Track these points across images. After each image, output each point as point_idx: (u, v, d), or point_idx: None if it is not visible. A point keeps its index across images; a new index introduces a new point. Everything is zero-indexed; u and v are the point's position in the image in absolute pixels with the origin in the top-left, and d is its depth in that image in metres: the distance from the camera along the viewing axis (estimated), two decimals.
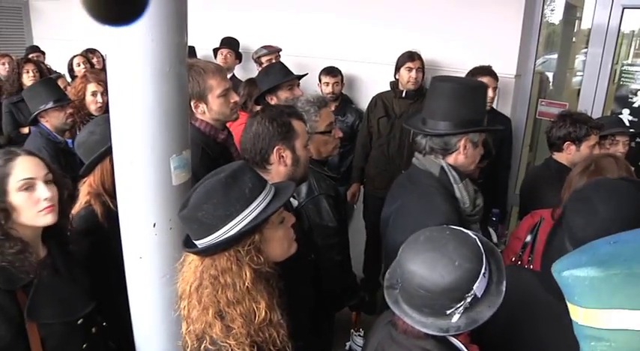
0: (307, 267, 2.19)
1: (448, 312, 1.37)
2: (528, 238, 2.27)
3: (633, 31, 4.44)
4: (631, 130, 3.44)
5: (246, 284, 1.43)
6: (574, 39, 5.46)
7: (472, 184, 2.09)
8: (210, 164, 2.31)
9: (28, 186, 1.72)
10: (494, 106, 3.83)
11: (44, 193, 1.73)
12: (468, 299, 1.35)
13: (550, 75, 5.08)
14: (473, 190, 2.05)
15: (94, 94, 3.79)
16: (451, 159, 2.01)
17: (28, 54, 6.22)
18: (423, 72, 4.00)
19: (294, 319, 1.61)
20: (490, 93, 3.59)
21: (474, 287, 1.35)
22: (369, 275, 4.38)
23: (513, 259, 2.28)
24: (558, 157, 2.90)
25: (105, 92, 3.68)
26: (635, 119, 3.91)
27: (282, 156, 2.01)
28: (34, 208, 1.72)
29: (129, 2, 0.72)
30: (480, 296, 1.38)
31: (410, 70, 3.96)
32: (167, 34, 1.62)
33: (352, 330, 2.67)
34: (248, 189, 1.46)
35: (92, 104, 3.81)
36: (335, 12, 4.71)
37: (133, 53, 1.63)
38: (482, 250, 1.41)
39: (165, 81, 1.65)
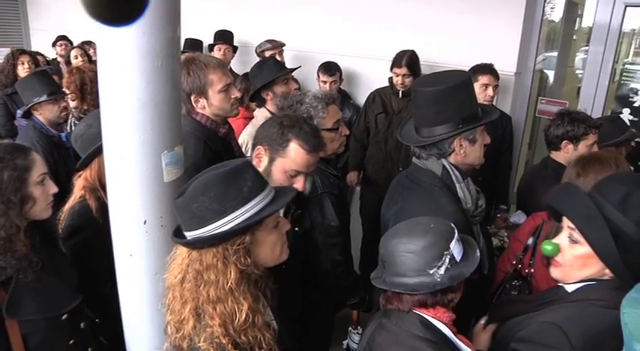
0: (296, 269, 2.17)
1: (431, 271, 1.48)
2: (530, 241, 2.23)
3: (634, 30, 4.41)
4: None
5: (230, 284, 1.41)
6: (575, 37, 5.42)
7: (474, 184, 2.07)
8: (212, 157, 2.29)
9: (44, 179, 1.82)
10: (494, 103, 3.79)
11: (52, 187, 1.85)
12: (447, 258, 1.49)
13: (551, 73, 5.05)
14: (475, 190, 2.02)
15: None
16: (451, 159, 1.98)
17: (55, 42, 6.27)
18: (414, 75, 3.95)
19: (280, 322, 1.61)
20: (490, 91, 3.59)
21: (451, 246, 1.50)
22: (366, 273, 4.35)
23: (514, 262, 2.24)
24: (556, 156, 2.86)
25: None
26: (636, 119, 3.88)
27: (260, 160, 2.03)
28: (45, 201, 1.82)
29: (129, 2, 0.70)
30: (458, 260, 1.51)
31: (397, 75, 3.96)
32: (159, 28, 1.59)
33: (350, 328, 2.65)
34: (247, 188, 1.43)
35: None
36: (335, 7, 4.69)
37: (124, 46, 1.59)
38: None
39: (156, 75, 1.62)
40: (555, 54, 5.25)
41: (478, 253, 1.58)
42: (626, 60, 4.22)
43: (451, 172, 1.95)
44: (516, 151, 4.15)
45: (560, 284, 1.59)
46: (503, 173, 3.86)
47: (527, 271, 2.16)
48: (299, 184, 2.07)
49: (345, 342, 2.68)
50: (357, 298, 2.58)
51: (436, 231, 1.53)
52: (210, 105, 2.47)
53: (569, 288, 1.54)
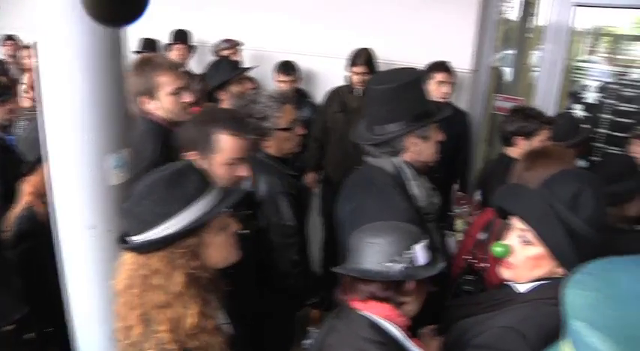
0: (250, 270, 2.14)
1: (389, 263, 1.49)
2: (482, 236, 2.25)
3: (587, 29, 4.52)
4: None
5: (178, 288, 1.38)
6: (530, 35, 5.52)
7: (429, 182, 2.07)
8: (172, 156, 2.23)
9: None
10: (450, 100, 3.83)
11: None
12: (408, 257, 1.50)
13: (509, 70, 5.14)
14: (429, 187, 2.03)
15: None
16: (404, 157, 1.97)
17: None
18: (372, 72, 3.92)
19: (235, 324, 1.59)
20: (445, 88, 3.61)
21: (415, 248, 1.52)
22: (326, 273, 4.34)
23: (467, 257, 2.26)
24: (510, 151, 2.90)
25: None
26: (589, 114, 3.98)
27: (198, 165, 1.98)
28: None
29: (129, 2, 0.69)
30: (419, 264, 1.52)
31: (356, 73, 3.95)
32: (101, 27, 1.54)
33: (309, 328, 2.64)
34: (191, 189, 1.41)
35: None
36: (294, 7, 4.66)
37: (65, 45, 1.55)
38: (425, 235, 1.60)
39: (99, 75, 1.57)
40: (513, 52, 5.36)
41: (442, 265, 1.58)
42: (578, 58, 4.32)
43: (404, 170, 1.95)
44: (474, 148, 4.19)
45: (510, 283, 1.59)
46: (461, 170, 3.89)
47: (480, 265, 2.18)
48: (243, 171, 2.06)
49: (305, 342, 2.66)
50: (318, 298, 2.58)
51: (403, 231, 1.56)
52: (160, 107, 2.43)
53: (522, 288, 1.54)
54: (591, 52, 6.65)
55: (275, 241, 2.34)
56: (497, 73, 4.71)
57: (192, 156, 2.00)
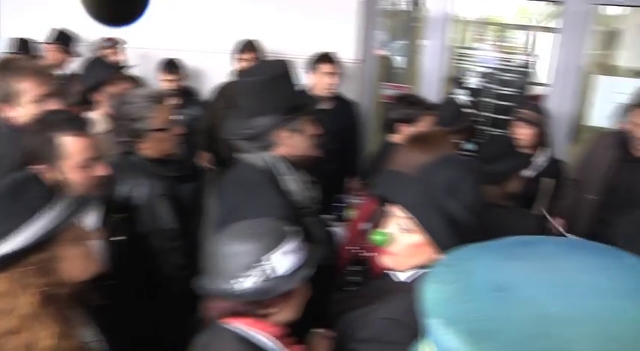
0: (129, 280, 2.03)
1: (236, 280, 1.41)
2: (366, 225, 2.24)
3: (475, 18, 4.69)
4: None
5: (29, 309, 1.26)
6: (419, 24, 5.67)
7: (308, 174, 2.04)
8: None
9: None
10: (339, 91, 3.83)
11: None
12: (262, 269, 1.41)
13: (400, 59, 5.25)
14: (305, 181, 1.99)
15: None
16: (277, 151, 1.92)
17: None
18: (258, 60, 3.88)
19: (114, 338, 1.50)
20: (331, 79, 3.61)
21: (272, 257, 1.42)
22: None
23: (353, 247, 2.25)
24: (395, 139, 2.93)
25: None
26: (473, 99, 4.12)
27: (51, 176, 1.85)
28: None
29: (129, 2, 0.61)
30: (279, 274, 1.43)
31: (241, 61, 3.88)
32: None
33: None
34: (33, 202, 1.30)
35: None
36: (176, 2, 4.53)
37: None
38: (293, 238, 1.50)
39: None
40: (403, 41, 5.48)
41: (306, 272, 1.49)
42: (460, 45, 4.48)
43: (277, 165, 1.90)
44: (365, 137, 4.23)
45: (391, 272, 1.58)
46: (353, 159, 3.89)
47: (365, 255, 2.17)
48: (100, 170, 1.96)
49: None
50: None
51: (259, 237, 1.45)
52: (21, 116, 2.24)
53: (402, 276, 1.53)
54: (478, 40, 6.93)
55: (156, 247, 2.24)
56: (387, 62, 4.79)
57: (40, 168, 1.84)
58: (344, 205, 3.05)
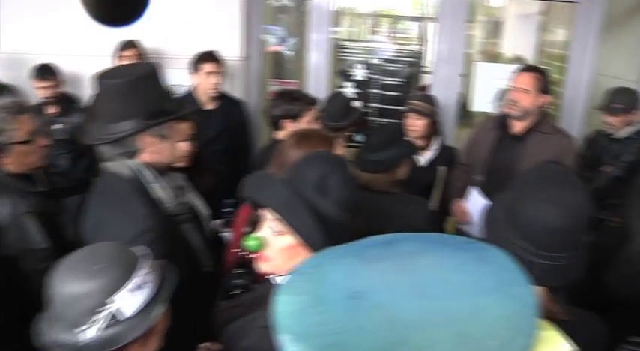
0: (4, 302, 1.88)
1: (78, 329, 1.22)
2: (247, 228, 2.19)
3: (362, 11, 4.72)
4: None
5: None
6: (305, 19, 5.68)
7: (181, 179, 1.96)
8: None
9: None
10: (224, 90, 3.76)
11: None
12: (105, 314, 1.22)
13: (289, 54, 5.23)
14: (176, 187, 1.90)
15: None
16: (143, 158, 1.82)
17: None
18: (144, 58, 3.75)
19: None
20: (215, 79, 3.52)
21: (116, 297, 1.23)
22: None
23: (237, 250, 2.19)
24: (280, 136, 2.89)
25: None
26: (360, 91, 4.17)
27: None
28: None
29: (129, 3, 0.63)
30: (128, 315, 1.25)
31: (121, 59, 3.70)
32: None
33: None
34: None
35: None
36: (49, 4, 4.22)
37: None
38: (143, 266, 1.31)
39: None
40: (291, 35, 5.46)
41: (157, 312, 1.33)
42: (357, 38, 4.51)
43: (143, 173, 1.79)
44: (255, 136, 4.18)
45: (271, 277, 1.54)
46: (245, 159, 3.82)
47: (250, 256, 2.12)
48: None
49: None
50: None
51: (103, 273, 1.23)
52: None
53: (281, 280, 1.50)
54: (373, 32, 7.02)
55: (27, 268, 2.07)
56: (276, 58, 4.75)
57: None
58: (233, 208, 2.98)
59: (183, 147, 2.42)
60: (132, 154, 1.79)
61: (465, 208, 3.08)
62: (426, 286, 0.73)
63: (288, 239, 1.43)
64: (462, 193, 3.19)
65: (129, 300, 1.25)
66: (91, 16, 0.61)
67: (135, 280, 1.26)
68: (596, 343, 1.43)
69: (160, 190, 1.81)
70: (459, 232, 3.25)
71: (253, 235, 1.50)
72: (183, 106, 1.92)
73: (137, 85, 1.77)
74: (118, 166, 1.80)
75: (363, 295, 0.73)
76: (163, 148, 1.83)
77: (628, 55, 4.14)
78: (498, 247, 1.30)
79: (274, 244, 1.46)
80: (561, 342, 0.90)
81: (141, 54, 3.76)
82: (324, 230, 1.37)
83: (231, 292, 2.07)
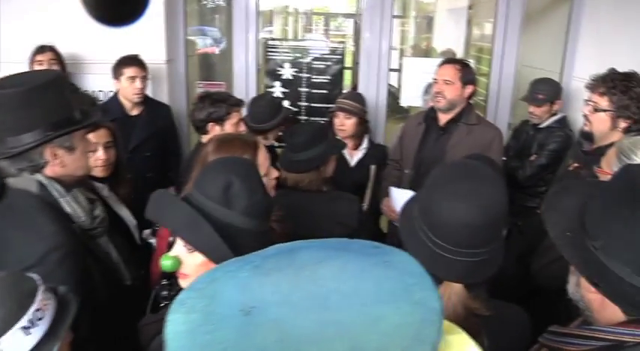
0: None
1: None
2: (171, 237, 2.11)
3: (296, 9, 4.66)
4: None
5: None
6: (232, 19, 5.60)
7: (89, 192, 1.86)
8: None
9: None
10: (150, 94, 3.65)
11: None
12: None
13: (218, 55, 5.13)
14: (87, 200, 1.80)
15: None
16: (49, 171, 1.70)
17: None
18: (60, 65, 3.59)
19: None
20: (139, 83, 3.41)
21: (5, 339, 1.11)
22: None
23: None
24: (206, 139, 2.82)
25: None
26: (287, 90, 4.12)
27: None
28: None
29: (129, 2, 0.78)
30: None
31: (41, 63, 3.52)
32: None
33: None
34: None
35: None
36: None
37: None
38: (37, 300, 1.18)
39: None
40: (220, 36, 5.36)
41: (60, 338, 1.23)
42: (270, 36, 4.45)
43: (50, 187, 1.68)
44: (184, 139, 4.09)
45: None
46: (173, 164, 3.71)
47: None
48: None
49: None
50: None
51: None
52: None
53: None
54: (308, 30, 6.94)
55: None
56: (206, 60, 4.65)
57: None
58: None
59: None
60: (36, 167, 1.67)
61: (391, 206, 3.08)
62: (324, 297, 0.69)
63: (201, 256, 1.40)
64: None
65: (21, 341, 1.13)
66: (90, 16, 0.57)
67: (29, 315, 1.15)
68: (522, 336, 1.44)
69: (71, 204, 1.70)
70: (394, 229, 3.26)
71: (168, 254, 1.46)
72: (93, 114, 1.81)
73: (36, 94, 1.64)
74: (22, 181, 1.68)
75: (256, 311, 0.68)
76: (71, 159, 1.73)
77: (550, 47, 4.27)
78: (414, 247, 1.30)
79: (189, 262, 1.43)
80: (470, 345, 0.88)
81: (56, 59, 3.58)
82: (232, 243, 1.33)
83: (161, 305, 2.00)
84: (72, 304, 1.31)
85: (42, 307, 1.19)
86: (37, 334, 1.16)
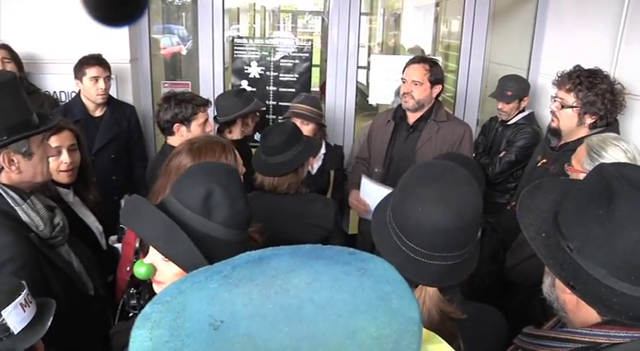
0: None
1: None
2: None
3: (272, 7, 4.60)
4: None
5: None
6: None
7: (50, 198, 1.78)
8: None
9: None
10: (114, 95, 3.55)
11: None
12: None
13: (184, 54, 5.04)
14: (46, 207, 1.72)
15: None
16: (4, 178, 1.62)
17: None
18: (15, 64, 3.44)
19: None
20: (102, 84, 3.31)
21: (6, 312, 1.27)
22: None
23: (128, 268, 2.03)
24: (172, 141, 2.73)
25: None
26: (254, 89, 4.07)
27: None
28: None
29: (129, 2, 0.79)
30: (16, 331, 1.30)
31: None
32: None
33: None
34: None
35: None
36: None
37: None
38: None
39: None
40: (187, 34, 5.26)
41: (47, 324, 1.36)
42: (237, 34, 4.38)
43: (5, 195, 1.60)
44: (150, 141, 4.01)
45: None
46: (139, 167, 3.60)
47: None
48: None
49: None
50: None
51: None
52: None
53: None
54: (276, 28, 6.88)
55: None
56: (173, 59, 4.55)
57: None
58: None
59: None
60: None
61: (360, 199, 3.05)
62: (297, 309, 0.65)
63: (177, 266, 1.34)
64: (359, 186, 3.16)
65: (17, 315, 1.30)
66: (90, 16, 0.55)
67: (22, 297, 1.30)
68: (499, 339, 1.42)
69: (28, 213, 1.62)
70: (363, 223, 3.24)
71: (142, 261, 1.39)
72: (52, 118, 1.73)
73: None
74: None
75: (226, 325, 0.64)
76: (29, 165, 1.65)
77: (517, 44, 4.30)
78: (387, 252, 1.27)
79: (164, 270, 1.36)
80: None
81: (10, 58, 3.43)
82: (210, 254, 1.27)
83: (130, 314, 1.94)
84: (51, 305, 1.42)
85: (26, 303, 1.33)
86: (27, 314, 1.33)
